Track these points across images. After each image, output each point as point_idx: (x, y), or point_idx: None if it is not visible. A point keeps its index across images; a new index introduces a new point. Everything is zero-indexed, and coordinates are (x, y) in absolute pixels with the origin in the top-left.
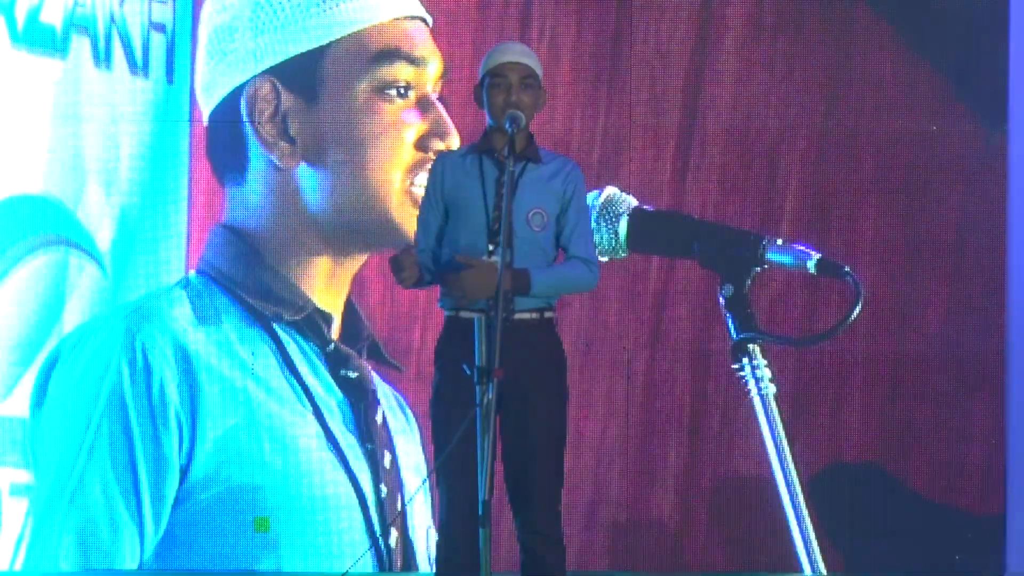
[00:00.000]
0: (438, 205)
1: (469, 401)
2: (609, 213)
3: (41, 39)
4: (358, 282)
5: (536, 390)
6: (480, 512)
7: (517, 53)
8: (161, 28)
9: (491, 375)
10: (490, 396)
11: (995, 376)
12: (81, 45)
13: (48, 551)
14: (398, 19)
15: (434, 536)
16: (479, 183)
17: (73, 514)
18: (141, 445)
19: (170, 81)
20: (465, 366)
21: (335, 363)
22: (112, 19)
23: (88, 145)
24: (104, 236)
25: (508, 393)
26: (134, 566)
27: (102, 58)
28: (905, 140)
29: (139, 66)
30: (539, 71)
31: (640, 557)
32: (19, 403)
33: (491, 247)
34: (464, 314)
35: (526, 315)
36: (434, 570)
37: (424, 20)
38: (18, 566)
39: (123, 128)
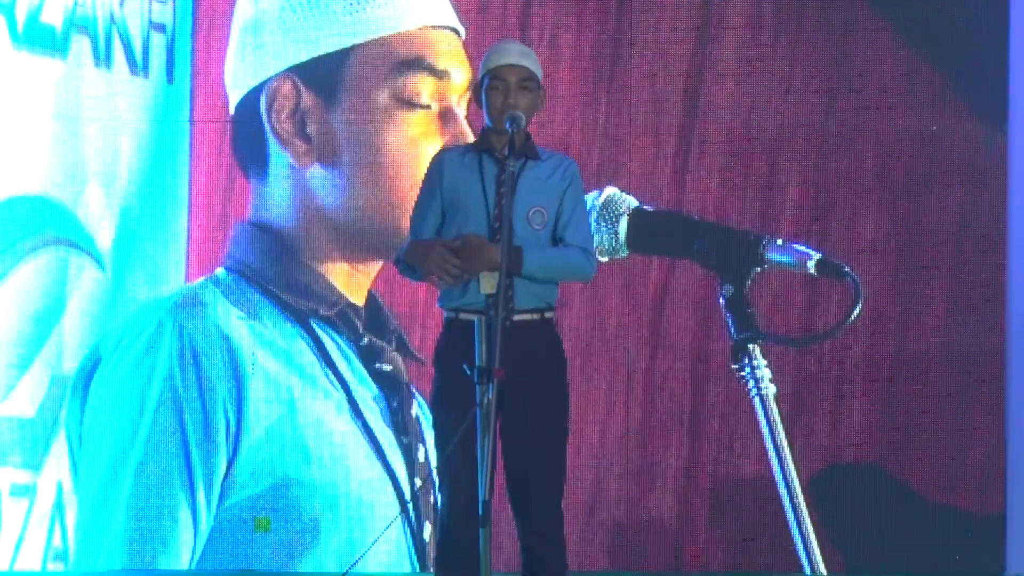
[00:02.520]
0: (436, 202)
1: (469, 401)
2: (609, 213)
3: (41, 39)
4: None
5: (536, 391)
6: (480, 512)
7: (516, 54)
8: (161, 28)
9: (491, 375)
10: (490, 396)
11: (995, 376)
12: (81, 45)
13: (102, 547)
14: (425, 28)
15: None
16: (479, 181)
17: (129, 509)
18: (194, 438)
19: (170, 81)
20: (465, 366)
21: (369, 357)
22: (112, 19)
23: (88, 145)
24: (104, 236)
25: (508, 394)
26: (189, 559)
27: (102, 58)
28: (905, 140)
29: (139, 66)
30: (539, 72)
31: (640, 557)
32: (19, 403)
33: None
34: (464, 315)
35: (526, 316)
36: (433, 569)
37: (455, 31)
38: (39, 554)
39: (123, 128)
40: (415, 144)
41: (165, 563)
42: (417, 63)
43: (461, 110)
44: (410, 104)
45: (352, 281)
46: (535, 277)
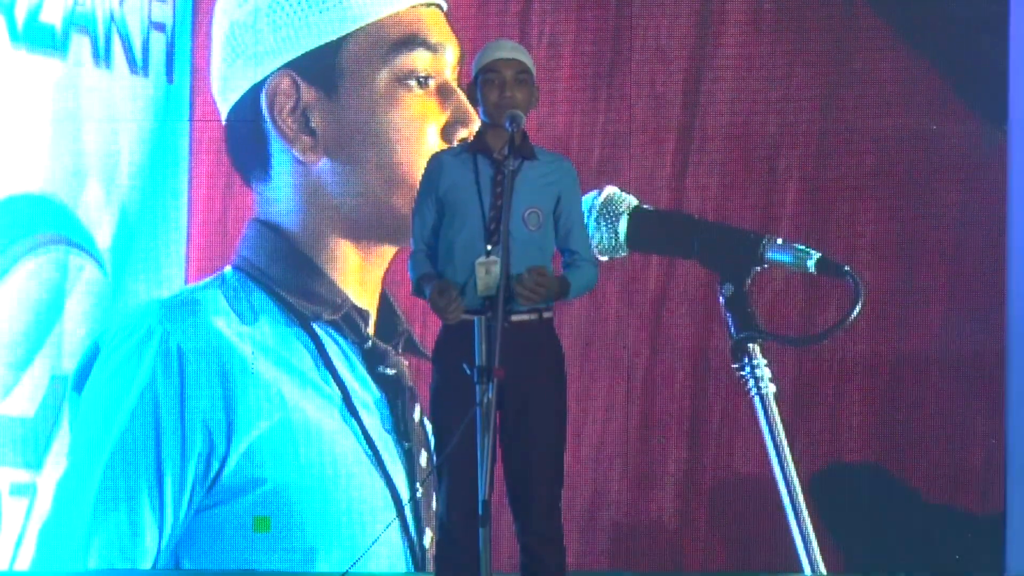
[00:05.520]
0: (433, 203)
1: (469, 401)
2: (609, 213)
3: (41, 39)
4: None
5: (535, 391)
6: (480, 512)
7: (509, 49)
8: (161, 28)
9: (491, 374)
10: (490, 396)
11: (995, 376)
12: (81, 45)
13: (68, 545)
14: (415, 6)
15: None
16: (474, 182)
17: (97, 509)
18: (169, 444)
19: (170, 81)
20: (465, 366)
21: (372, 360)
22: (112, 19)
23: (88, 145)
24: (104, 236)
25: (507, 394)
26: (149, 564)
27: (102, 58)
28: (905, 139)
29: (139, 66)
30: (532, 67)
31: (640, 557)
32: (19, 403)
33: (488, 247)
34: (462, 316)
35: (524, 316)
36: (433, 570)
37: (439, 6)
38: (28, 560)
39: (123, 128)
40: (419, 123)
41: (123, 565)
42: (412, 40)
43: (456, 85)
44: (409, 83)
45: (364, 275)
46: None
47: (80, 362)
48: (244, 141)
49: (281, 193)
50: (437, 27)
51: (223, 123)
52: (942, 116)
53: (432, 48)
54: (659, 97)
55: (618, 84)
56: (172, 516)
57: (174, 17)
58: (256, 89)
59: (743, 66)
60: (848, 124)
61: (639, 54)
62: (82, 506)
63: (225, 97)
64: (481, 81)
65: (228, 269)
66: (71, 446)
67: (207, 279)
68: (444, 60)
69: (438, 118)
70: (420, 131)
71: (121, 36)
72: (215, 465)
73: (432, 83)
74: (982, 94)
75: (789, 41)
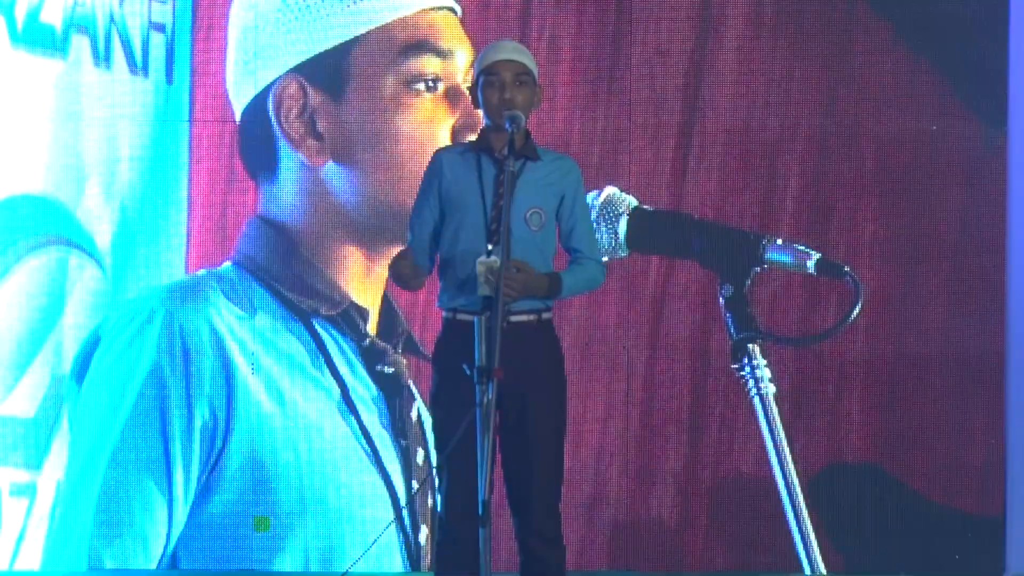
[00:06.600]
0: (435, 202)
1: (468, 401)
2: (609, 213)
3: (41, 39)
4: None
5: (534, 391)
6: (480, 511)
7: (511, 51)
8: (161, 28)
9: (491, 375)
10: (490, 396)
11: (995, 376)
12: (81, 45)
13: (77, 537)
14: (425, 10)
15: None
16: (477, 181)
17: (100, 503)
18: (175, 427)
19: (170, 81)
20: (465, 366)
21: (371, 358)
22: (112, 19)
23: (88, 145)
24: (104, 236)
25: (507, 395)
26: (159, 555)
27: (102, 58)
28: (905, 140)
29: (139, 66)
30: (534, 68)
31: (640, 557)
32: (19, 403)
33: (489, 246)
34: (462, 316)
35: (523, 317)
36: (433, 569)
37: (452, 10)
38: (28, 561)
39: (123, 128)
40: (427, 128)
41: (133, 559)
42: (421, 46)
43: (466, 89)
44: (417, 88)
45: (367, 281)
46: (563, 298)
47: (80, 352)
48: (255, 143)
49: (287, 194)
50: (448, 31)
51: (237, 122)
52: (942, 116)
53: (441, 52)
54: (659, 97)
55: (618, 84)
56: (183, 502)
57: (174, 17)
58: (266, 92)
59: (743, 66)
60: (848, 124)
61: (639, 54)
62: (86, 499)
63: (238, 100)
64: (482, 83)
65: (227, 264)
66: (72, 439)
67: (203, 271)
68: (455, 64)
69: (447, 122)
70: (428, 135)
71: (121, 36)
72: (218, 444)
73: (441, 87)
74: (982, 94)
75: (789, 41)
